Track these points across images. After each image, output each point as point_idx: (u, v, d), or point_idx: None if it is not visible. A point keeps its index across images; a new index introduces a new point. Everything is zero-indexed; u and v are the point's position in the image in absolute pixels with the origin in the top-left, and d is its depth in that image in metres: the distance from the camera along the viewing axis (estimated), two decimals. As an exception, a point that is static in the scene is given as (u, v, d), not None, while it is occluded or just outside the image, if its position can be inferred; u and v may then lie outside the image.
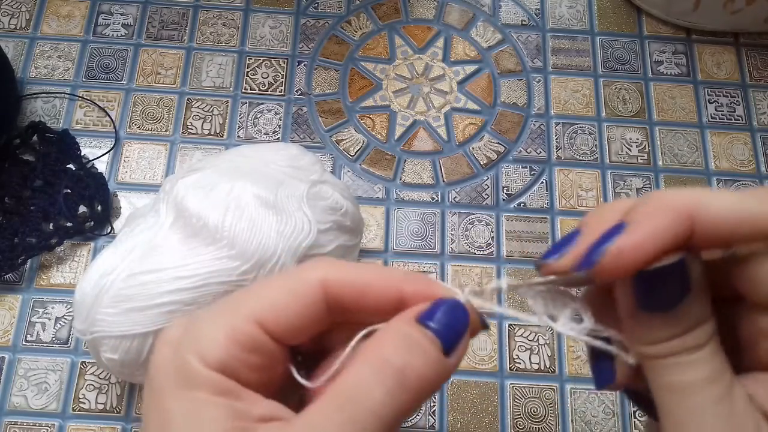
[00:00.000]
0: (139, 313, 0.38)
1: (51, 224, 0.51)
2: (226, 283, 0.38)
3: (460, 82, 0.60)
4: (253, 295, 0.19)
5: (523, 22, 0.63)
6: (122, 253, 0.39)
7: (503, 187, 0.56)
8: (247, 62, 0.59)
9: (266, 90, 0.58)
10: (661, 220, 0.17)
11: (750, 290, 0.18)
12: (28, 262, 0.50)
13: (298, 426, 0.17)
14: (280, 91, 0.58)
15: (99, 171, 0.54)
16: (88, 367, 0.48)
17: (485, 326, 0.20)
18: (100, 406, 0.47)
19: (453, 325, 0.19)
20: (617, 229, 0.17)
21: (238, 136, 0.56)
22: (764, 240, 0.17)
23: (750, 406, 0.18)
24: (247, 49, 0.60)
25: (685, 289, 0.18)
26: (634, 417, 0.49)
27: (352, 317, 0.20)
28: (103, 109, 0.57)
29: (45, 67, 0.58)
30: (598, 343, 0.19)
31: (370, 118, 0.58)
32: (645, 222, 0.17)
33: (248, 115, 0.57)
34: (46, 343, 0.49)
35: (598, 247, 0.18)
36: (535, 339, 0.50)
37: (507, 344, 0.50)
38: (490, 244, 0.54)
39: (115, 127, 0.56)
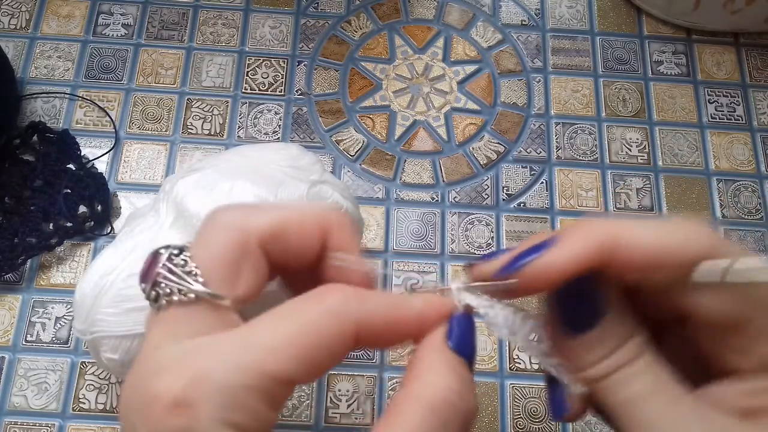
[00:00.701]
0: (140, 313, 0.38)
1: (51, 224, 0.51)
2: None
3: (460, 82, 0.60)
4: (264, 330, 0.18)
5: (523, 22, 0.63)
6: (122, 253, 0.39)
7: (503, 187, 0.56)
8: (247, 62, 0.59)
9: (266, 90, 0.58)
10: (581, 243, 0.19)
11: (693, 313, 0.20)
12: (28, 262, 0.50)
13: None
14: (280, 91, 0.58)
15: (99, 171, 0.54)
16: (88, 367, 0.48)
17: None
18: (100, 406, 0.47)
19: (472, 341, 0.20)
20: (544, 245, 0.19)
21: (238, 136, 0.56)
22: (674, 268, 0.19)
23: (699, 404, 0.19)
24: (247, 49, 0.60)
25: (602, 308, 0.20)
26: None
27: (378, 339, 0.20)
28: (103, 109, 0.57)
29: (45, 67, 0.58)
30: (551, 369, 0.21)
31: (370, 118, 0.58)
32: (566, 243, 0.19)
33: (248, 115, 0.57)
34: (46, 343, 0.49)
35: (522, 258, 0.19)
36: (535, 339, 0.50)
37: (507, 344, 0.50)
38: (490, 244, 0.54)
39: (115, 127, 0.56)
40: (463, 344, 0.19)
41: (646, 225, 0.19)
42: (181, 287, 0.18)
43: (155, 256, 0.19)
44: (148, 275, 0.19)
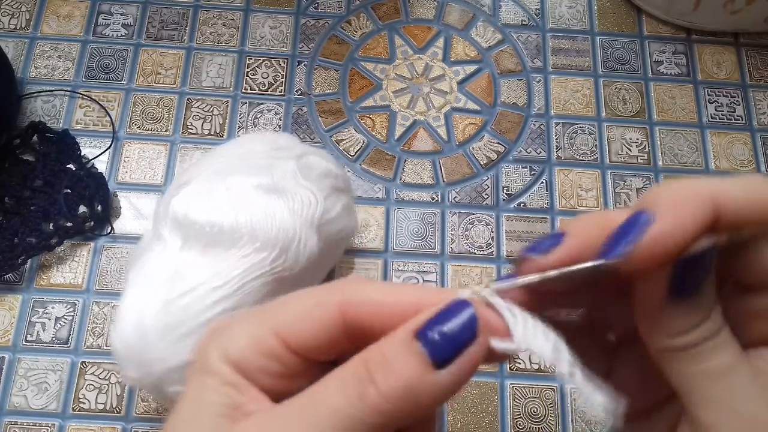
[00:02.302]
0: (192, 336, 0.37)
1: (51, 224, 0.51)
2: (262, 277, 0.38)
3: (460, 82, 0.60)
4: (276, 310, 0.19)
5: (523, 22, 0.63)
6: (146, 289, 0.38)
7: (503, 187, 0.56)
8: (247, 62, 0.59)
9: (266, 90, 0.58)
10: (690, 208, 0.17)
11: (745, 273, 0.19)
12: (28, 262, 0.50)
13: (263, 419, 0.18)
14: (280, 91, 0.58)
15: (99, 171, 0.54)
16: (88, 367, 0.48)
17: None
18: (100, 406, 0.47)
19: (451, 335, 0.17)
20: (637, 219, 0.17)
21: (239, 136, 0.56)
22: None
23: None
24: (247, 49, 0.60)
25: (708, 271, 0.18)
26: (634, 417, 0.49)
27: (377, 337, 0.19)
28: (102, 107, 0.57)
29: (45, 67, 0.58)
30: (588, 387, 0.18)
31: (370, 118, 0.58)
32: (673, 211, 0.17)
33: (248, 115, 0.57)
34: (46, 343, 0.49)
35: (622, 238, 0.17)
36: (535, 339, 0.50)
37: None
38: (490, 244, 0.54)
39: (113, 127, 0.56)
40: (441, 339, 0.17)
41: (742, 180, 0.18)
42: None
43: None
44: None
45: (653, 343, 0.19)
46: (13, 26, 0.60)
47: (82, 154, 0.54)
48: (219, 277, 0.37)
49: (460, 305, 0.18)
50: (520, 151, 0.57)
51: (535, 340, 0.18)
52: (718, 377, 0.18)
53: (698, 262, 0.18)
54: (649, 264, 0.17)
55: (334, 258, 0.48)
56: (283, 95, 0.58)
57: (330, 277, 0.50)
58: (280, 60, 0.60)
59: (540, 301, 0.19)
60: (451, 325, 0.17)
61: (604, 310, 0.23)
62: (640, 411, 0.21)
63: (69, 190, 0.52)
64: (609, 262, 0.17)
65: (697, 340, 0.18)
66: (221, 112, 0.57)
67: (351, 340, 0.19)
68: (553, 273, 0.18)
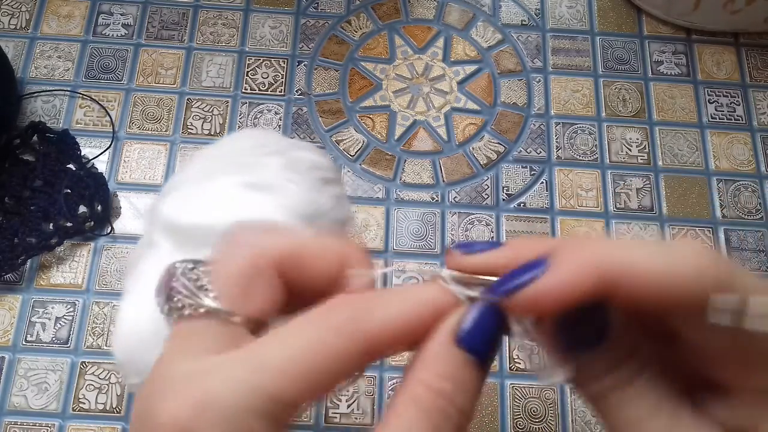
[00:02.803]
0: None
1: (51, 224, 0.51)
2: None
3: (460, 82, 0.60)
4: (282, 363, 0.17)
5: (523, 22, 0.63)
6: (142, 295, 0.38)
7: (503, 187, 0.56)
8: (247, 62, 0.59)
9: (266, 90, 0.58)
10: (577, 270, 0.17)
11: (688, 339, 0.19)
12: (28, 262, 0.50)
13: None
14: (280, 91, 0.58)
15: (99, 171, 0.54)
16: (88, 367, 0.48)
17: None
18: (100, 406, 0.47)
19: (489, 338, 0.18)
20: (535, 265, 0.18)
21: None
22: (685, 302, 0.17)
23: (699, 422, 0.18)
24: (247, 49, 0.60)
25: (606, 330, 0.18)
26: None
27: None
28: (102, 107, 0.57)
29: (45, 67, 0.58)
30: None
31: (370, 118, 0.58)
32: (561, 268, 0.17)
33: (248, 115, 0.57)
34: (46, 343, 0.49)
35: (515, 277, 0.18)
36: (535, 339, 0.50)
37: (507, 344, 0.50)
38: (490, 244, 0.54)
39: (113, 127, 0.56)
40: (475, 340, 0.18)
41: (650, 249, 0.17)
42: (192, 302, 0.18)
43: (171, 270, 0.19)
44: (163, 288, 0.19)
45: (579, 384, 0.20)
46: (13, 26, 0.60)
47: (82, 154, 0.54)
48: None
49: (489, 311, 0.18)
50: (520, 151, 0.57)
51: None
52: (634, 424, 0.18)
53: (588, 319, 0.18)
54: (527, 311, 0.18)
55: None
56: (283, 95, 0.58)
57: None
58: (280, 60, 0.60)
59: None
60: (489, 330, 0.18)
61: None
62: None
63: (69, 190, 0.52)
64: (492, 298, 0.18)
65: (610, 387, 0.18)
66: (221, 112, 0.57)
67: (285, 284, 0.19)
68: (468, 276, 0.19)
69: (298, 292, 0.19)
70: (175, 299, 0.18)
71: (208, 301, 0.18)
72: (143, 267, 0.40)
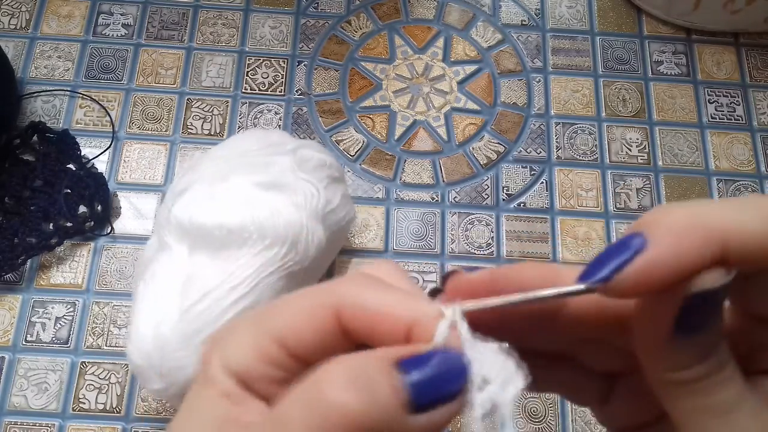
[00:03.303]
0: None
1: (51, 224, 0.51)
2: (275, 273, 0.38)
3: (460, 82, 0.60)
4: (275, 314, 0.19)
5: (523, 22, 0.63)
6: (159, 300, 0.38)
7: (503, 187, 0.56)
8: (247, 62, 0.59)
9: (266, 90, 0.58)
10: (691, 239, 0.15)
11: (755, 305, 0.18)
12: (28, 262, 0.50)
13: (256, 429, 0.17)
14: (280, 91, 0.58)
15: (99, 171, 0.54)
16: (88, 367, 0.48)
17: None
18: (100, 406, 0.47)
19: (438, 383, 0.16)
20: (629, 242, 0.16)
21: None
22: None
23: None
24: (247, 49, 0.60)
25: (718, 310, 0.17)
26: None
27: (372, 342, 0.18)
28: (102, 107, 0.57)
29: (45, 67, 0.58)
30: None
31: (370, 118, 0.58)
32: (672, 239, 0.15)
33: (248, 115, 0.57)
34: (46, 343, 0.49)
35: (608, 260, 0.16)
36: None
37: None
38: (490, 244, 0.54)
39: (113, 127, 0.56)
40: (423, 381, 0.16)
41: (743, 207, 0.16)
42: None
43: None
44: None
45: (653, 375, 0.18)
46: (13, 26, 0.60)
47: (82, 154, 0.54)
48: (234, 277, 0.37)
49: (453, 359, 0.16)
50: (520, 151, 0.57)
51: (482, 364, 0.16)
52: (719, 414, 0.17)
53: (709, 298, 0.16)
54: (634, 293, 0.16)
55: (338, 247, 0.48)
56: (283, 95, 0.58)
57: (330, 272, 0.50)
58: (280, 60, 0.60)
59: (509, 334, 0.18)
60: (443, 376, 0.16)
61: (582, 347, 0.21)
62: (636, 426, 0.21)
63: (69, 190, 0.52)
64: (590, 286, 0.16)
65: (700, 376, 0.17)
66: (221, 112, 0.57)
67: (351, 341, 0.18)
68: (526, 296, 0.17)
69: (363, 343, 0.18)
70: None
71: None
72: (156, 270, 0.40)
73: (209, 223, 0.38)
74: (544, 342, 0.21)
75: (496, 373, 0.16)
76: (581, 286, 0.16)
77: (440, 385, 0.16)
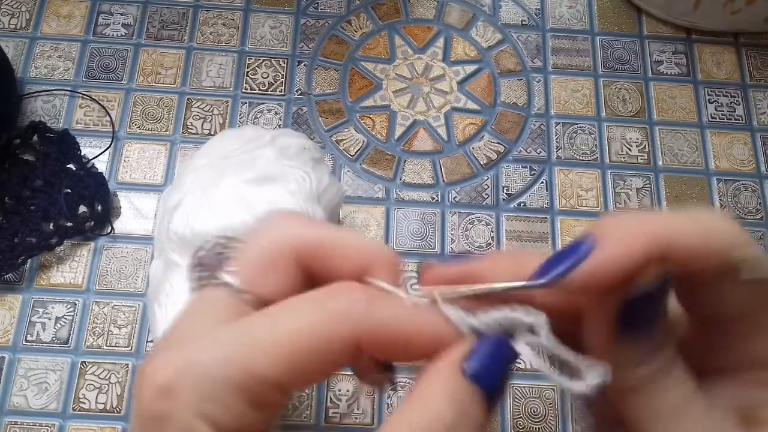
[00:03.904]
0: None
1: (51, 224, 0.51)
2: None
3: (460, 82, 0.60)
4: (263, 344, 0.17)
5: (523, 22, 0.63)
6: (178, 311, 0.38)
7: (503, 187, 0.56)
8: (247, 62, 0.59)
9: (266, 90, 0.58)
10: (635, 240, 0.17)
11: (703, 307, 0.19)
12: (28, 262, 0.51)
13: None
14: (280, 91, 0.58)
15: (99, 171, 0.54)
16: (88, 367, 0.48)
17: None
18: (100, 406, 0.47)
19: (499, 373, 0.17)
20: (579, 245, 0.17)
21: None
22: (721, 263, 0.17)
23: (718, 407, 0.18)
24: (247, 49, 0.60)
25: (662, 310, 0.18)
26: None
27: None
28: (102, 107, 0.57)
29: (45, 67, 0.58)
30: (559, 378, 0.17)
31: (370, 118, 0.58)
32: (618, 240, 0.17)
33: (248, 115, 0.57)
34: (46, 343, 0.49)
35: (559, 261, 0.17)
36: (535, 339, 0.50)
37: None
38: (490, 244, 0.54)
39: (113, 127, 0.56)
40: (485, 374, 0.17)
41: (685, 216, 0.17)
42: (212, 274, 0.19)
43: (204, 243, 0.21)
44: (192, 259, 0.20)
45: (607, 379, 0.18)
46: (13, 26, 0.60)
47: (82, 154, 0.54)
48: None
49: (501, 344, 0.18)
50: (520, 151, 0.57)
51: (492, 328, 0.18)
52: (669, 416, 0.17)
53: (650, 298, 0.17)
54: (581, 291, 0.17)
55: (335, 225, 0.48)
56: (283, 95, 0.58)
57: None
58: (280, 60, 0.60)
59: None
60: (500, 365, 0.18)
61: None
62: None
63: (69, 190, 0.52)
64: (538, 284, 0.17)
65: (647, 377, 0.18)
66: (221, 112, 0.57)
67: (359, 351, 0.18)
68: (489, 287, 0.18)
69: (321, 283, 0.19)
70: (200, 270, 0.20)
71: (225, 276, 0.19)
72: (168, 291, 0.39)
73: (212, 229, 0.38)
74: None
75: (517, 327, 0.18)
76: (535, 282, 0.18)
77: (495, 372, 0.17)
